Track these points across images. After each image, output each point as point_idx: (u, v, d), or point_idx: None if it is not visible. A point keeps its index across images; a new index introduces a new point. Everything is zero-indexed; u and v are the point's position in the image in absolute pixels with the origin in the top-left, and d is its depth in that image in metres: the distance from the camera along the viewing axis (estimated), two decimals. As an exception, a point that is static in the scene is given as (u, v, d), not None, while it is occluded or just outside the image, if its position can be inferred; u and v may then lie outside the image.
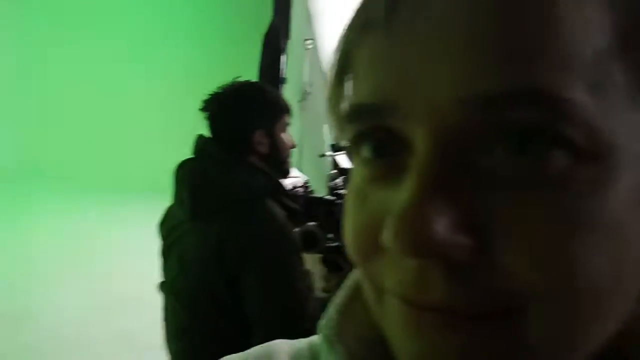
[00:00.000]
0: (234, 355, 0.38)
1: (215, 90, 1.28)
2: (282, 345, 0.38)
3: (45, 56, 9.14)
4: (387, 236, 0.22)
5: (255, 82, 1.39)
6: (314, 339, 0.36)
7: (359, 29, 0.25)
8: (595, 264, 0.21)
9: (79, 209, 6.91)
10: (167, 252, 1.31)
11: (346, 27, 0.26)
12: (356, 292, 0.32)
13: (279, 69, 3.90)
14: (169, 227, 1.30)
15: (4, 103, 8.69)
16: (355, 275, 0.33)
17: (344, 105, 0.26)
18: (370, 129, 0.25)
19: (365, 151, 0.26)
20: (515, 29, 0.20)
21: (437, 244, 0.21)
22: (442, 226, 0.21)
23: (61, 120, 9.04)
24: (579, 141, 0.20)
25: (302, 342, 0.37)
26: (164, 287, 1.33)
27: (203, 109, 1.28)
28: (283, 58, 4.07)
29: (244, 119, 1.26)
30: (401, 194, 0.22)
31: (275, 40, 4.21)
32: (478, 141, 0.22)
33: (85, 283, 4.39)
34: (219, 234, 1.18)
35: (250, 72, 3.48)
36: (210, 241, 1.18)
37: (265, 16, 5.00)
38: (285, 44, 4.18)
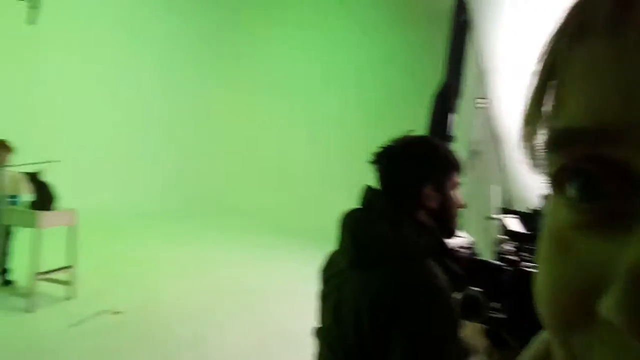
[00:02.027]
0: None
1: (387, 143, 1.29)
2: None
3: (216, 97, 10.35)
4: (608, 306, 0.17)
5: (428, 137, 1.37)
6: None
7: (570, 36, 0.21)
8: None
9: (257, 246, 7.49)
10: (325, 299, 1.32)
11: (553, 35, 0.22)
12: None
13: (447, 126, 3.86)
14: (330, 274, 1.31)
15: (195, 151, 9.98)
16: (543, 339, 0.28)
17: (545, 131, 0.22)
18: (581, 160, 0.20)
19: (572, 189, 0.21)
20: None
21: None
22: None
23: (245, 165, 10.06)
24: None
25: None
26: (318, 333, 1.34)
27: (373, 162, 1.29)
28: (452, 117, 4.02)
29: (415, 173, 1.24)
30: (631, 251, 0.17)
31: (445, 99, 4.20)
32: None
33: (256, 316, 4.66)
34: (377, 287, 1.15)
35: (418, 130, 3.50)
36: (367, 293, 1.16)
37: (434, 75, 5.05)
38: (456, 102, 4.14)
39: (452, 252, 1.29)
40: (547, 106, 0.22)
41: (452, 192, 1.26)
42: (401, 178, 1.25)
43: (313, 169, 9.65)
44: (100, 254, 5.89)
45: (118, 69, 9.37)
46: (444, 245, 1.24)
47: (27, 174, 4.39)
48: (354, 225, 1.24)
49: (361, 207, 1.28)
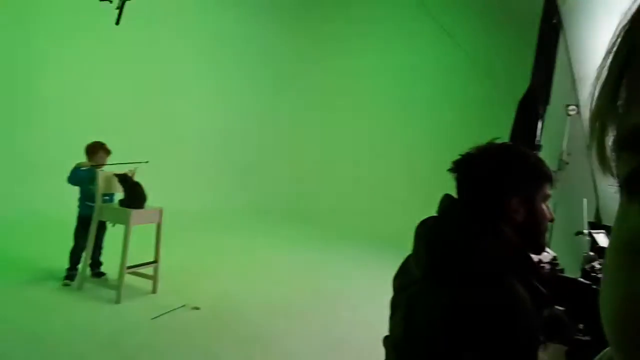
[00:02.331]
0: None
1: (468, 152, 1.23)
2: None
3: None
4: None
5: (515, 145, 1.29)
6: None
7: None
8: None
9: (333, 250, 7.55)
10: (396, 307, 1.29)
11: (626, 24, 0.19)
12: None
13: (534, 135, 3.67)
14: (403, 282, 1.28)
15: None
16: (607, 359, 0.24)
17: (622, 125, 0.19)
18: None
19: None
20: None
21: None
22: None
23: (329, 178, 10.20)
24: None
25: None
26: (387, 342, 1.31)
27: (453, 170, 1.23)
28: (539, 124, 3.82)
29: (500, 183, 1.17)
30: None
31: (532, 106, 3.99)
32: None
33: (328, 318, 4.68)
34: (452, 301, 1.11)
35: (502, 138, 3.36)
36: (442, 306, 1.12)
37: (520, 80, 4.81)
38: (544, 109, 3.93)
39: (537, 270, 1.22)
40: (620, 100, 0.19)
41: (541, 205, 1.18)
42: (484, 188, 1.18)
43: (391, 174, 9.57)
44: (181, 251, 6.17)
45: (202, 73, 9.79)
46: (529, 261, 1.17)
47: (119, 174, 4.69)
48: (427, 234, 1.20)
49: (437, 215, 1.24)
